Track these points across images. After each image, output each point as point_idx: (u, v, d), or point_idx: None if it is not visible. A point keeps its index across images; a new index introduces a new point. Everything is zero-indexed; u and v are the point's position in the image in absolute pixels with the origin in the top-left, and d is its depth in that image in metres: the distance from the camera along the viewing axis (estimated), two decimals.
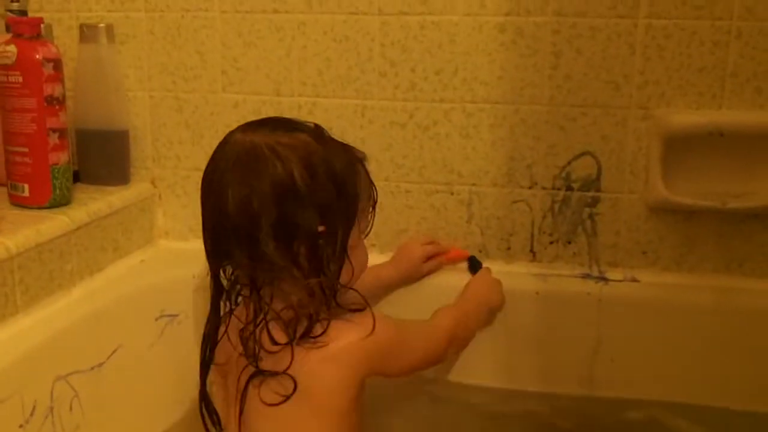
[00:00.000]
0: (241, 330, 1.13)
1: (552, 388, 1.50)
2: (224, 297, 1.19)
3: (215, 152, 1.13)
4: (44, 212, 1.36)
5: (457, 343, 1.37)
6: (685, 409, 1.44)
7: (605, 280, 1.50)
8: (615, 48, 1.43)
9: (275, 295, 1.11)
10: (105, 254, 1.45)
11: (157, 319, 1.46)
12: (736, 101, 1.42)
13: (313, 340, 1.10)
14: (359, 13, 1.50)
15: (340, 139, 1.16)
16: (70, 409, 1.22)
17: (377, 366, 1.15)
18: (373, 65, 1.52)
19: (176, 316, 1.49)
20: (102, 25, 1.55)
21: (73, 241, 1.35)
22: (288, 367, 1.09)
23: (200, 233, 1.62)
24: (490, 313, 1.45)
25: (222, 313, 1.20)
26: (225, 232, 1.09)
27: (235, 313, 1.18)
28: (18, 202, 1.39)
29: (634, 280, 1.50)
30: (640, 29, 1.42)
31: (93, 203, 1.44)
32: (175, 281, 1.51)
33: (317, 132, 1.14)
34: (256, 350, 1.11)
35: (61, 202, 1.40)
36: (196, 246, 1.62)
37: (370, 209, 1.19)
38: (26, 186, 1.38)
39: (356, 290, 1.16)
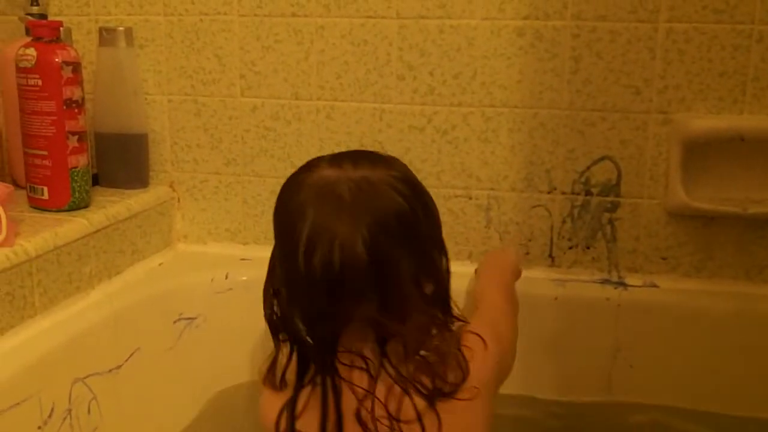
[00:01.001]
0: (360, 402, 0.97)
1: (570, 393, 1.49)
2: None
3: (310, 194, 0.99)
4: (63, 215, 1.37)
5: (516, 307, 1.28)
6: (703, 416, 1.44)
7: (624, 285, 1.49)
8: (635, 52, 1.43)
9: (406, 349, 0.98)
10: (123, 257, 1.46)
11: (175, 322, 1.47)
12: (757, 106, 1.41)
13: (453, 386, 0.98)
14: (377, 17, 1.50)
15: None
16: (88, 411, 1.23)
17: (503, 374, 1.09)
18: (391, 69, 1.52)
19: (194, 319, 1.49)
20: (121, 28, 1.56)
21: (91, 243, 1.35)
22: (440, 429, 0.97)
23: (217, 236, 1.64)
24: (515, 275, 1.37)
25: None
26: (352, 282, 0.94)
27: (348, 384, 0.99)
28: (37, 205, 1.40)
29: (654, 286, 1.49)
30: (661, 33, 1.41)
31: (112, 206, 1.44)
32: (194, 284, 1.52)
33: (403, 163, 1.07)
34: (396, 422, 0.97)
35: (80, 205, 1.41)
36: (214, 249, 1.65)
37: None
38: (45, 189, 1.38)
39: None
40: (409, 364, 0.97)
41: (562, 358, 1.49)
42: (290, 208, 1.00)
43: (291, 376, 1.04)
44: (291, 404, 1.01)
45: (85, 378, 1.22)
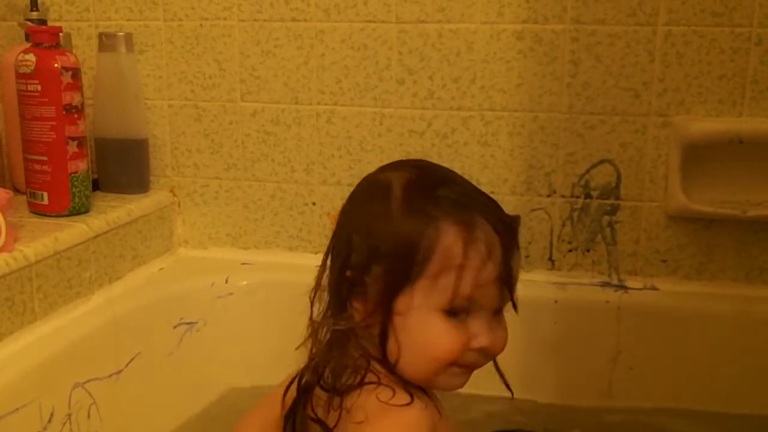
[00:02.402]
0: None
1: (570, 396, 1.49)
2: None
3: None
4: (63, 220, 1.37)
5: None
6: (703, 418, 1.43)
7: (624, 288, 1.49)
8: (634, 55, 1.43)
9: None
10: (124, 262, 1.46)
11: (175, 327, 1.47)
12: (756, 108, 1.41)
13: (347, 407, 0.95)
14: (377, 22, 1.50)
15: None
16: (88, 416, 1.23)
17: None
18: (390, 73, 1.52)
19: (195, 323, 1.49)
20: (121, 33, 1.56)
21: (91, 248, 1.35)
22: (334, 426, 0.95)
23: (218, 241, 1.65)
24: None
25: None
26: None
27: None
28: (37, 210, 1.40)
29: (654, 289, 1.49)
30: (660, 36, 1.41)
31: (112, 211, 1.44)
32: (194, 289, 1.53)
33: (418, 172, 1.00)
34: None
35: (80, 210, 1.41)
36: (214, 254, 1.65)
37: (455, 278, 0.93)
38: (45, 194, 1.38)
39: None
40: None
41: (563, 361, 1.49)
42: None
43: None
44: None
45: (85, 383, 1.22)
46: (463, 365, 0.96)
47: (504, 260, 0.95)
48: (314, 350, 1.01)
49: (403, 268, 0.94)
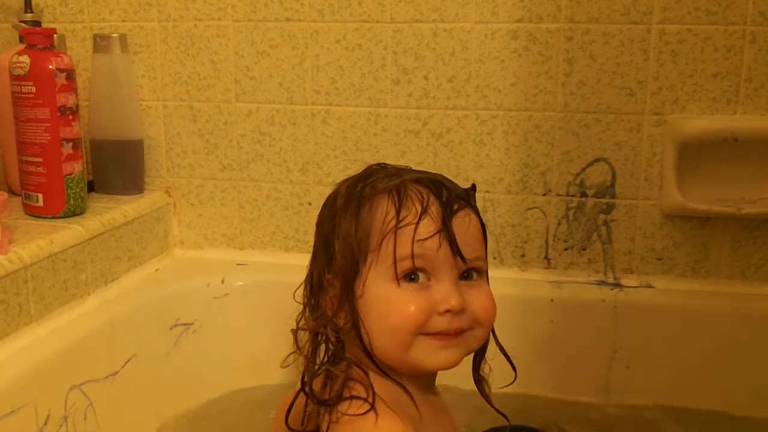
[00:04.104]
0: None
1: (567, 395, 1.49)
2: None
3: None
4: (58, 222, 1.37)
5: None
6: (700, 416, 1.44)
7: (620, 286, 1.49)
8: (628, 54, 1.43)
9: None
10: (120, 263, 1.46)
11: (171, 328, 1.47)
12: (750, 106, 1.42)
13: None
14: (372, 21, 1.50)
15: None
16: (85, 418, 1.23)
17: None
18: (385, 73, 1.52)
19: (191, 324, 1.49)
20: (116, 35, 1.56)
21: (87, 250, 1.35)
22: None
23: (214, 241, 1.65)
24: None
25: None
26: None
27: None
28: (32, 212, 1.40)
29: (650, 287, 1.49)
30: (654, 35, 1.41)
31: (107, 213, 1.44)
32: (190, 290, 1.52)
33: (364, 170, 1.03)
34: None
35: (75, 211, 1.41)
36: (210, 255, 1.65)
37: (393, 240, 0.94)
38: (40, 196, 1.38)
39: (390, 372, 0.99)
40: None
41: (559, 360, 1.49)
42: None
43: None
44: None
45: (81, 385, 1.22)
46: (436, 333, 0.95)
47: (443, 215, 0.95)
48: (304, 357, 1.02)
49: (351, 252, 0.97)
